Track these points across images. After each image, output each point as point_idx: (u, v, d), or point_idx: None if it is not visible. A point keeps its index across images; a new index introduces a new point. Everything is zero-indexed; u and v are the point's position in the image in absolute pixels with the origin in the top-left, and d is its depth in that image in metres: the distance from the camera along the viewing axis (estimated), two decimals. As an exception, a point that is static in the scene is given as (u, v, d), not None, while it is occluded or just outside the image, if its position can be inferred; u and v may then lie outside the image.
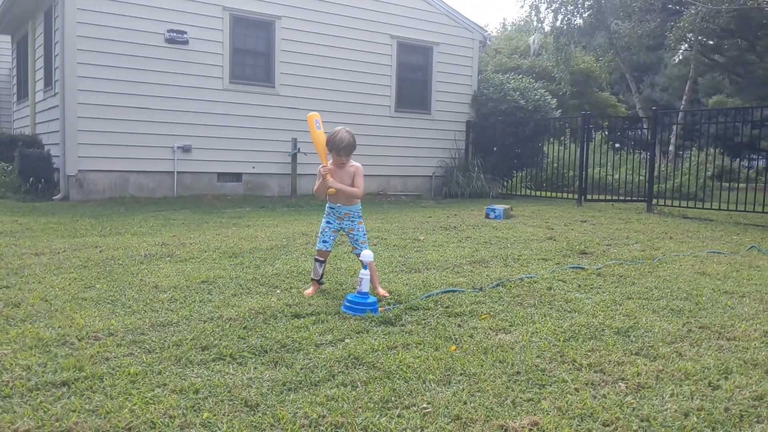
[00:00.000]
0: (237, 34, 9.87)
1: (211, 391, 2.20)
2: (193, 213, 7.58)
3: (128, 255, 4.60)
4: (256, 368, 2.44)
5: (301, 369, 2.43)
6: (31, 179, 8.99)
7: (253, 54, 10.17)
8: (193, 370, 2.39)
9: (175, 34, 9.21)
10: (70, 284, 3.67)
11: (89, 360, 2.44)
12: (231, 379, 2.32)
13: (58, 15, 8.68)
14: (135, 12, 8.91)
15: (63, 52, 8.55)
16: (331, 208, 3.67)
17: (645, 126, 11.36)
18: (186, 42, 9.32)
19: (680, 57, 25.44)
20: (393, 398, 2.20)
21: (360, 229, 3.69)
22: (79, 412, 2.01)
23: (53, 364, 2.39)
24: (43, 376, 2.27)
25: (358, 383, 2.32)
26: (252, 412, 2.06)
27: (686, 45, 21.56)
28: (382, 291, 3.65)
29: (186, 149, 9.46)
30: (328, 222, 3.68)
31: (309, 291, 3.61)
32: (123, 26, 8.84)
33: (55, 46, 9.07)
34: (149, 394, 2.16)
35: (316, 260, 3.64)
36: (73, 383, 2.23)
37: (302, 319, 3.08)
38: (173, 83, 9.30)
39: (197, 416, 2.01)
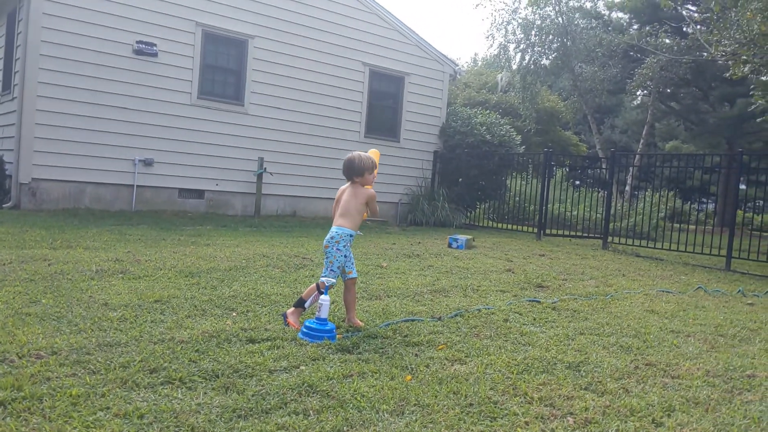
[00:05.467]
0: (208, 50, 9.84)
1: (156, 416, 2.13)
2: (151, 229, 7.39)
3: (78, 270, 4.44)
4: (206, 393, 2.37)
5: (253, 395, 2.38)
6: (-20, 185, 8.62)
7: (223, 71, 10.13)
8: (139, 394, 2.31)
9: (144, 46, 9.10)
10: (14, 298, 3.51)
11: (29, 379, 2.33)
12: (179, 404, 2.25)
13: (23, 18, 8.47)
14: (104, 21, 8.78)
15: (25, 56, 8.32)
16: (351, 236, 3.53)
17: (604, 166, 11.78)
18: (155, 54, 9.22)
19: (638, 101, 26.67)
20: (345, 428, 2.17)
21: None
22: (12, 435, 1.91)
23: (-11, 382, 2.27)
24: (-24, 396, 2.15)
25: (311, 412, 2.28)
26: (198, 440, 2.00)
27: (645, 91, 22.63)
28: (357, 321, 3.56)
29: (147, 162, 9.28)
30: (346, 255, 3.51)
31: (293, 319, 3.43)
32: (90, 34, 8.68)
33: (17, 49, 8.82)
34: (91, 418, 2.07)
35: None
36: (10, 403, 2.12)
37: (257, 344, 3.03)
38: (139, 95, 9.15)
39: (140, 442, 1.94)
